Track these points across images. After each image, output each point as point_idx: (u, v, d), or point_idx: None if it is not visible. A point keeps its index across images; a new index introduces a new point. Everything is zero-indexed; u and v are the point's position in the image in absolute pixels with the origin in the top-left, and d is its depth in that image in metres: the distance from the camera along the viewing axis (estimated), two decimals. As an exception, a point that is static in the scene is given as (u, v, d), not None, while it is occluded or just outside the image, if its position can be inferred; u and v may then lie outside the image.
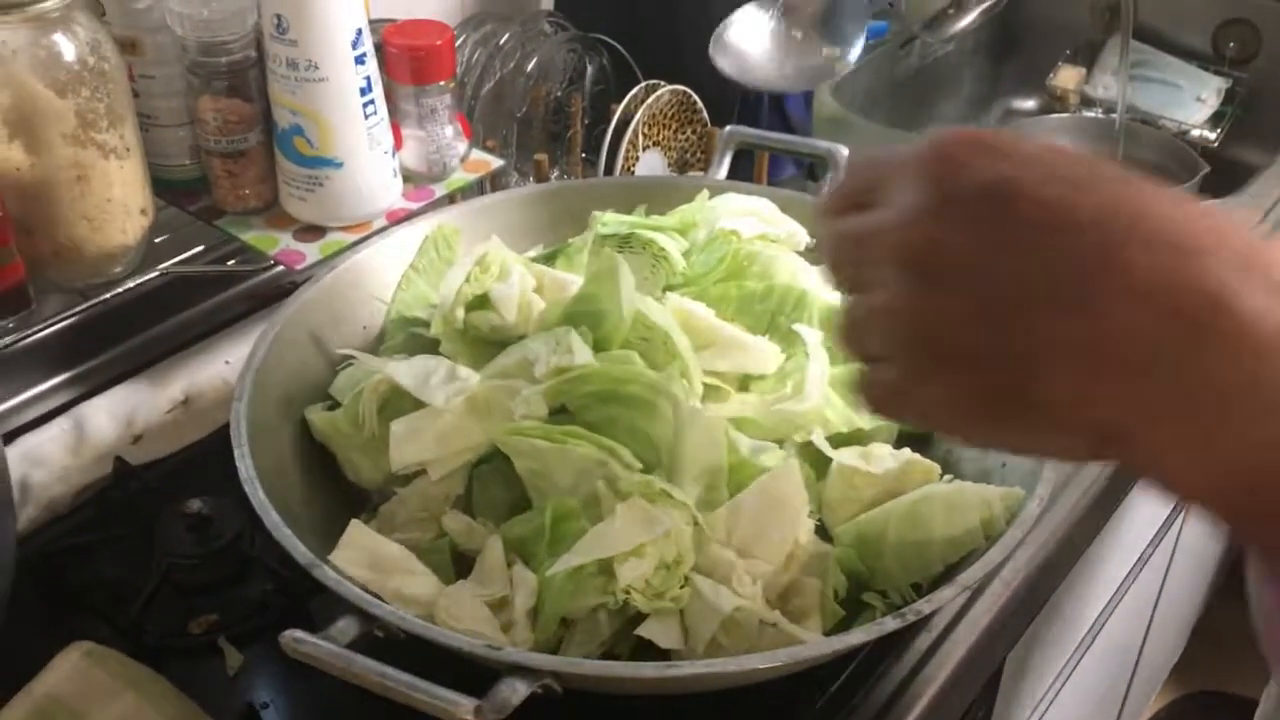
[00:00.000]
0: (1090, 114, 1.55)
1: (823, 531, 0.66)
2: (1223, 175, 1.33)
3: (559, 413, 0.65)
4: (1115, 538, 0.98)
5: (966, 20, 1.29)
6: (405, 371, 0.66)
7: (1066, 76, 1.57)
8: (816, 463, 0.67)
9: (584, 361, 0.63)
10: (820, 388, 0.67)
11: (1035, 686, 1.02)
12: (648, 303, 0.67)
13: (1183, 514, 1.25)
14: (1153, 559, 1.20)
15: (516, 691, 0.51)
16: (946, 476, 0.66)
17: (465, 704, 0.49)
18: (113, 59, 0.75)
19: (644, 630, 0.58)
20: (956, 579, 0.57)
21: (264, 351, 0.68)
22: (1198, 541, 1.42)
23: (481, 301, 0.70)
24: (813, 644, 0.56)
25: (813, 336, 0.70)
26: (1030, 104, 1.64)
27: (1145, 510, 1.09)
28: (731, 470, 0.62)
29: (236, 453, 0.61)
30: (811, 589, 0.62)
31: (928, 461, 0.66)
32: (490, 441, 0.63)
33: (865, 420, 0.69)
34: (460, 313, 0.69)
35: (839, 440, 0.68)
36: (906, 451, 0.67)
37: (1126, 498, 0.92)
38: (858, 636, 0.55)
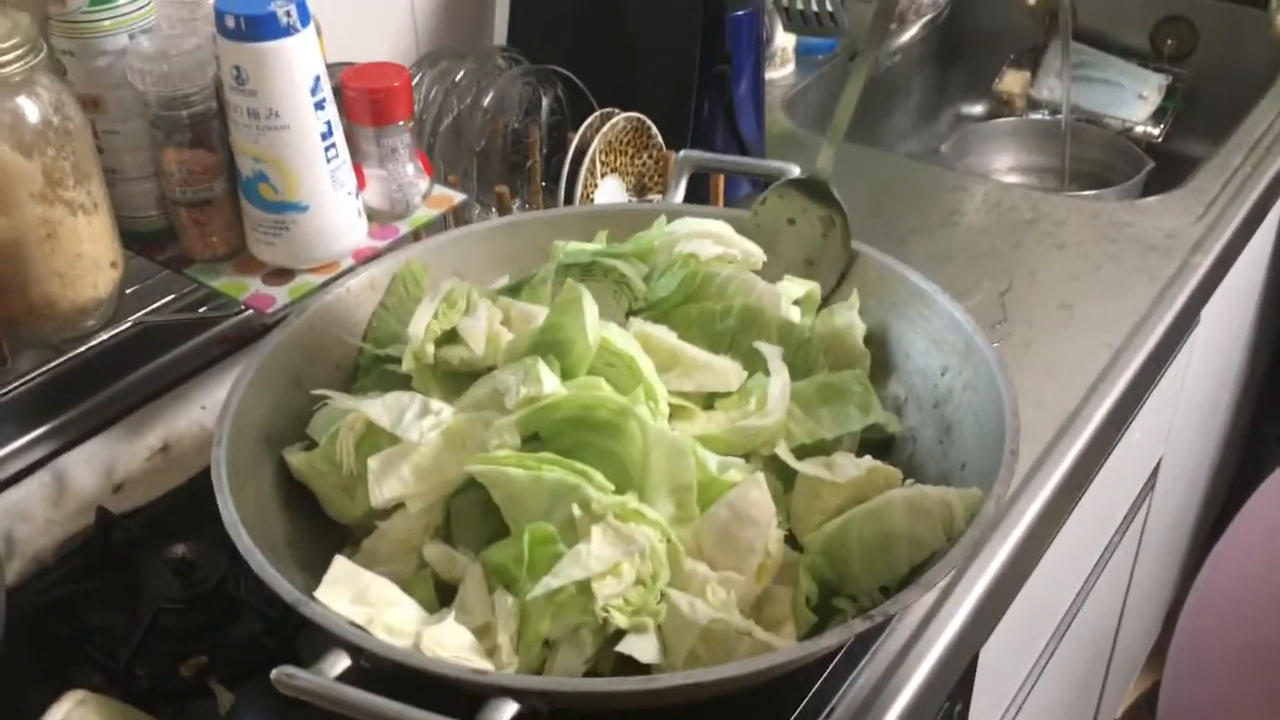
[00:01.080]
0: (1036, 116, 1.59)
1: (793, 541, 0.68)
2: (1168, 170, 1.37)
3: (532, 440, 0.67)
4: (1080, 528, 1.01)
5: (909, 34, 1.32)
6: (380, 408, 0.68)
7: (1012, 81, 1.61)
8: (783, 474, 0.70)
9: (553, 390, 0.65)
10: (782, 402, 0.70)
11: (1012, 676, 1.04)
12: (611, 329, 0.69)
13: (1147, 502, 1.28)
14: (1120, 546, 1.23)
15: (503, 712, 0.53)
16: (909, 481, 0.69)
17: (455, 728, 0.51)
18: (76, 118, 0.76)
19: (624, 646, 0.60)
20: (920, 579, 0.59)
21: (240, 396, 0.70)
22: (1166, 527, 1.46)
23: (450, 336, 0.72)
24: (784, 650, 0.58)
25: (773, 353, 0.73)
26: (978, 109, 1.68)
27: (1108, 502, 1.12)
28: (701, 488, 0.65)
29: (219, 497, 0.63)
30: (784, 597, 0.64)
31: (889, 468, 0.69)
32: (467, 473, 0.65)
33: (827, 431, 0.71)
34: (430, 348, 0.71)
35: (803, 452, 0.70)
36: (869, 459, 0.69)
37: (1086, 492, 0.95)
38: (828, 640, 0.57)
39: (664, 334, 0.72)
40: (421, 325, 0.71)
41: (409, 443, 0.66)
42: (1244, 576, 0.60)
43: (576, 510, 0.62)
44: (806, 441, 0.70)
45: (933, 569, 0.60)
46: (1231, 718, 0.58)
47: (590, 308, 0.68)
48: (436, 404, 0.68)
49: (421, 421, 0.66)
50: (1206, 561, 0.65)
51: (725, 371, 0.72)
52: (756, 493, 0.63)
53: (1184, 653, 0.64)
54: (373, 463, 0.66)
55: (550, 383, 0.66)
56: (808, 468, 0.68)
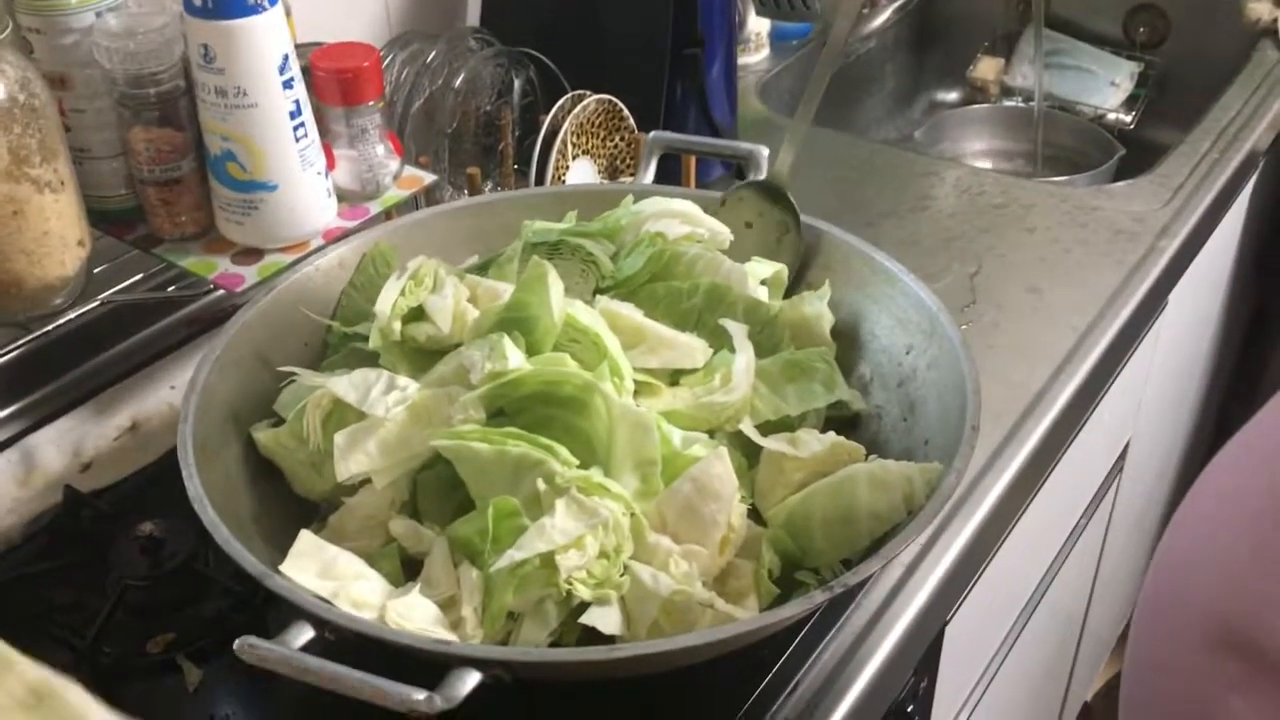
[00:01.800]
0: (1010, 103, 1.59)
1: (756, 516, 0.69)
2: (1139, 156, 1.38)
3: (497, 415, 0.67)
4: (1048, 507, 1.02)
5: (882, 18, 1.33)
6: (346, 385, 0.68)
7: (986, 67, 1.62)
8: (747, 450, 0.70)
9: (517, 365, 0.66)
10: (747, 379, 0.70)
11: (980, 653, 1.05)
12: (576, 306, 0.70)
13: (1115, 483, 1.30)
14: (1089, 527, 1.25)
15: (466, 681, 0.53)
16: (872, 457, 0.69)
17: (417, 694, 0.51)
18: (43, 95, 0.76)
19: (587, 618, 0.60)
20: (880, 551, 0.60)
21: (207, 373, 0.70)
22: (1135, 510, 1.47)
23: (417, 313, 0.72)
24: (746, 621, 0.59)
25: (738, 330, 0.73)
26: (952, 96, 1.69)
27: (1076, 481, 1.13)
28: (665, 462, 0.65)
29: (184, 472, 0.63)
30: (746, 571, 0.64)
31: (852, 444, 0.69)
32: (432, 448, 0.66)
33: (792, 407, 0.72)
34: (397, 325, 0.72)
35: (768, 428, 0.71)
36: (832, 435, 0.70)
37: (1053, 471, 0.96)
38: (789, 611, 0.58)
39: (630, 311, 0.73)
40: (388, 303, 0.71)
41: (375, 418, 0.66)
42: (1200, 538, 0.62)
43: (541, 484, 0.62)
44: (771, 418, 0.71)
45: (893, 540, 0.61)
46: (1193, 676, 0.60)
47: (555, 284, 0.68)
48: (403, 380, 0.68)
49: (387, 397, 0.66)
50: (1168, 528, 0.66)
51: (691, 348, 0.72)
52: (719, 466, 0.64)
53: (1146, 614, 0.65)
54: (339, 438, 0.66)
55: (515, 358, 0.66)
56: (772, 443, 0.68)
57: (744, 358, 0.71)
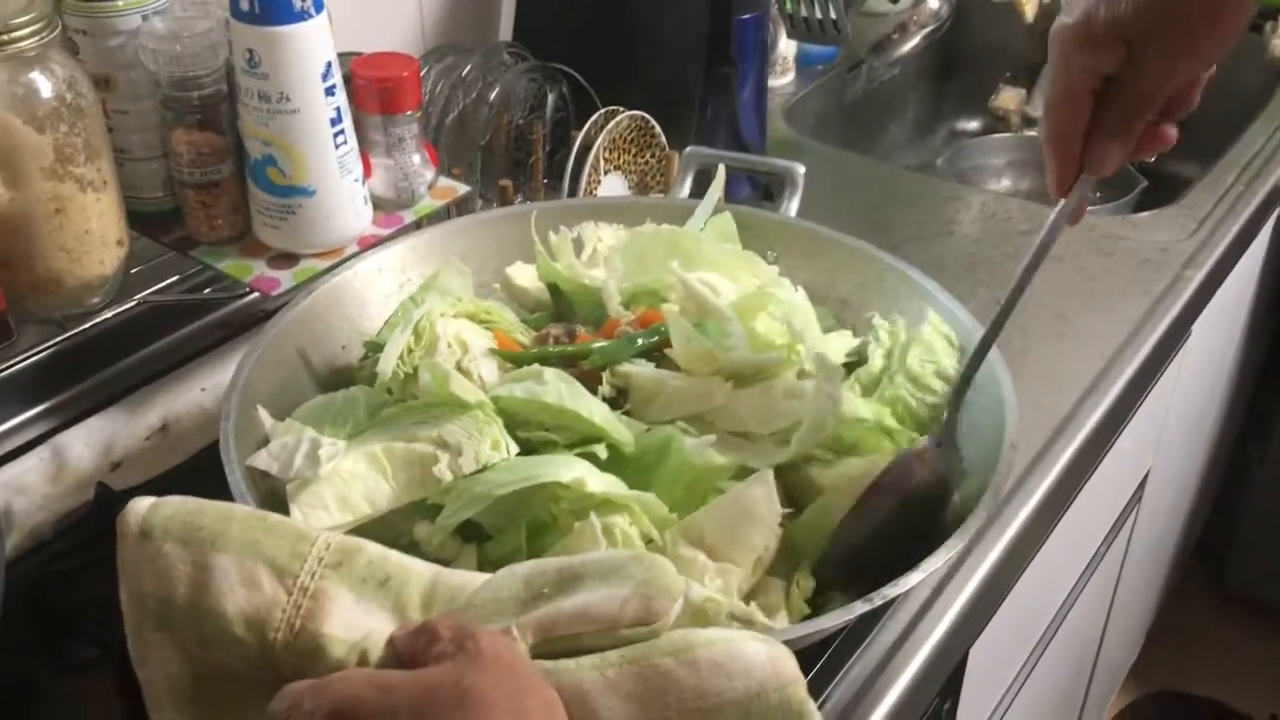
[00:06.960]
0: (1031, 133, 1.60)
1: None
2: (1160, 189, 1.38)
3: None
4: (1070, 534, 1.02)
5: (909, 45, 1.34)
6: (266, 458, 0.66)
7: (1008, 98, 1.63)
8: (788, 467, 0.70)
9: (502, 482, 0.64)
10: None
11: (1000, 678, 1.05)
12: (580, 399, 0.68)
13: (1134, 514, 1.30)
14: (1106, 559, 1.24)
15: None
16: None
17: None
18: (88, 95, 0.77)
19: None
20: (920, 564, 0.60)
21: (248, 372, 0.70)
22: (1151, 543, 1.47)
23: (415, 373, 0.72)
24: (785, 630, 0.58)
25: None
26: (974, 124, 1.69)
27: (1098, 509, 1.13)
28: (678, 472, 0.65)
29: (227, 468, 0.63)
30: (777, 587, 0.64)
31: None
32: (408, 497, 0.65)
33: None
34: (395, 386, 0.71)
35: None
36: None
37: (1076, 498, 0.96)
38: (830, 620, 0.58)
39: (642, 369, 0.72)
40: (389, 365, 0.71)
41: (322, 479, 0.64)
42: None
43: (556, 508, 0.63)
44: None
45: (931, 555, 0.60)
46: None
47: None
48: (328, 440, 0.66)
49: (319, 454, 0.65)
50: None
51: (709, 392, 0.71)
52: (761, 490, 0.64)
53: None
54: (299, 496, 0.64)
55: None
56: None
57: None
